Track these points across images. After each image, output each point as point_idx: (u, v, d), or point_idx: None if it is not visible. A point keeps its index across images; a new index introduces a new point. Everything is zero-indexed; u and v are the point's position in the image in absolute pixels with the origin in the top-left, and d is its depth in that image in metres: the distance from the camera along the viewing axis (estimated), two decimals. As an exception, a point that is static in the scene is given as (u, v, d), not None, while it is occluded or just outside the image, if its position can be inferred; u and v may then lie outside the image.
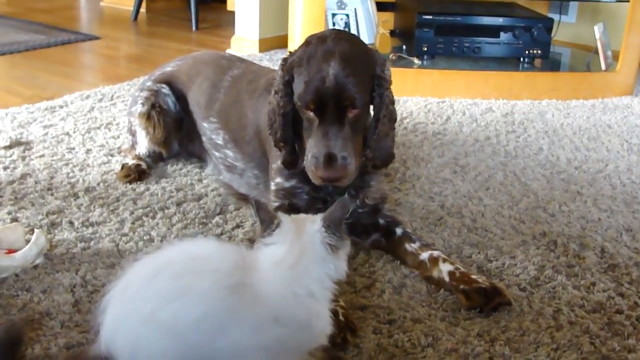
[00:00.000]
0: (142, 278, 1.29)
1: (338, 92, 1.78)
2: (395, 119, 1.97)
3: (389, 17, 4.23)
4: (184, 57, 2.72)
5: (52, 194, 2.30)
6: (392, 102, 1.93)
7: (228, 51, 4.36)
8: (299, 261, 1.34)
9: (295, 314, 1.32)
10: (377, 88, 1.89)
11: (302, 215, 1.49)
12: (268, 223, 1.40)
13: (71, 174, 2.46)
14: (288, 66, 1.90)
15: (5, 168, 2.49)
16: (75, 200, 2.27)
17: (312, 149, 1.83)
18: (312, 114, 1.83)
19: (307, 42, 1.90)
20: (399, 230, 2.02)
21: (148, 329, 1.25)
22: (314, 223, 1.39)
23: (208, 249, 1.38)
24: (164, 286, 1.26)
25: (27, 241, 1.87)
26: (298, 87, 1.84)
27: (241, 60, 2.60)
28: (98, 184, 2.39)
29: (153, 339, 1.26)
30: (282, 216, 1.42)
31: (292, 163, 1.98)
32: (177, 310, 1.24)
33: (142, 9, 5.87)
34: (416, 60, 3.77)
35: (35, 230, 1.90)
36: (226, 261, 1.33)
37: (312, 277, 1.35)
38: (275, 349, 1.31)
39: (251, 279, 1.31)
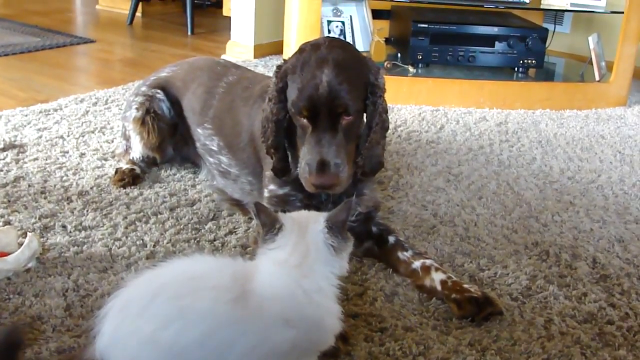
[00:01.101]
0: (141, 298, 1.29)
1: (331, 99, 1.79)
2: (388, 127, 1.98)
3: (384, 25, 4.24)
4: (179, 62, 2.72)
5: (45, 198, 2.29)
6: (385, 111, 1.94)
7: (223, 56, 4.36)
8: (304, 261, 1.35)
9: (305, 311, 1.32)
10: (370, 96, 1.89)
11: (304, 213, 1.49)
12: (269, 226, 1.39)
13: (65, 178, 2.46)
14: (282, 73, 1.90)
15: (-2, 171, 2.49)
16: (68, 204, 2.26)
17: (306, 156, 1.83)
18: (305, 121, 1.83)
19: (301, 50, 1.90)
20: (391, 239, 2.02)
21: (148, 349, 1.25)
22: (316, 223, 1.39)
23: (205, 266, 1.38)
24: (163, 308, 1.26)
25: (20, 244, 1.86)
26: (292, 94, 1.85)
27: (236, 66, 2.60)
28: (91, 188, 2.39)
29: (152, 359, 1.26)
30: (284, 217, 1.41)
31: (282, 171, 1.98)
32: (178, 331, 1.24)
33: (138, 13, 5.87)
34: (411, 69, 3.78)
35: (28, 233, 1.89)
36: (224, 276, 1.32)
37: (319, 275, 1.36)
38: (288, 352, 1.31)
39: (252, 286, 1.31)
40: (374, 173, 2.01)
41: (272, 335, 1.29)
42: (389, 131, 3.02)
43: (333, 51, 1.84)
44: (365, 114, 1.93)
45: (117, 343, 1.28)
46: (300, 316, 1.32)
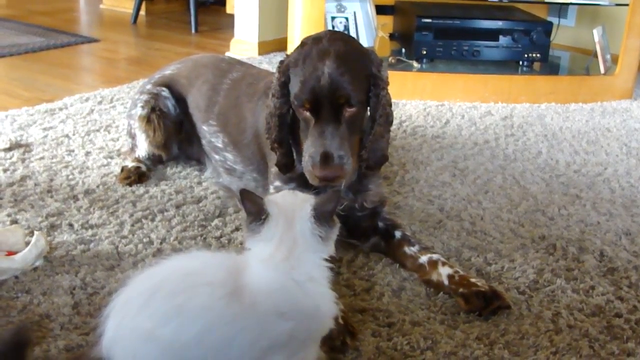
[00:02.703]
0: (140, 296, 1.29)
1: (333, 90, 1.78)
2: (392, 121, 1.97)
3: (388, 20, 4.24)
4: (183, 60, 2.72)
5: (51, 196, 2.30)
6: (389, 104, 1.93)
7: (227, 54, 4.36)
8: (291, 253, 1.34)
9: (299, 303, 1.32)
10: (373, 88, 1.89)
11: (289, 198, 1.44)
12: (255, 215, 1.37)
13: (71, 177, 2.46)
14: (284, 68, 1.90)
15: (5, 170, 2.49)
16: (74, 202, 2.27)
17: (309, 149, 1.82)
18: (308, 113, 1.83)
19: (303, 44, 1.90)
20: (398, 234, 2.02)
21: (148, 346, 1.25)
22: (303, 211, 1.37)
23: (200, 262, 1.38)
24: (161, 305, 1.26)
25: (27, 243, 1.87)
26: (294, 87, 1.85)
27: (241, 63, 2.60)
28: (97, 187, 2.39)
29: (152, 356, 1.26)
30: (270, 204, 1.38)
31: (287, 166, 1.97)
32: (176, 328, 1.24)
33: (142, 12, 5.87)
34: (415, 64, 3.77)
35: (35, 232, 1.90)
36: (219, 271, 1.32)
37: (308, 264, 1.35)
38: (288, 345, 1.31)
39: (245, 281, 1.31)
40: (378, 166, 2.00)
41: (269, 330, 1.29)
42: (395, 126, 3.02)
43: (334, 43, 1.84)
44: (368, 107, 1.92)
45: (119, 341, 1.28)
46: (294, 308, 1.31)
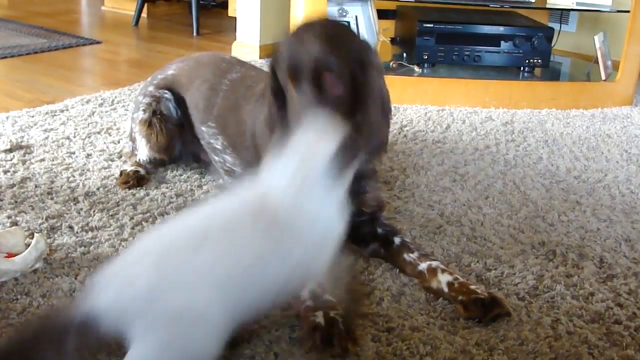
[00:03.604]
0: (187, 245, 1.30)
1: (320, 69, 1.74)
2: (390, 108, 1.94)
3: (389, 25, 4.25)
4: (185, 58, 2.70)
5: (52, 198, 2.30)
6: (382, 87, 1.89)
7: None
8: (305, 185, 1.37)
9: (312, 231, 1.36)
10: (362, 73, 1.82)
11: (311, 132, 1.45)
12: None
13: (71, 179, 2.46)
14: (275, 49, 1.89)
15: (5, 172, 2.49)
16: (75, 204, 2.27)
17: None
18: (294, 91, 1.79)
19: (295, 28, 1.88)
20: (397, 240, 2.01)
21: (207, 286, 1.26)
22: (320, 145, 1.39)
23: (231, 201, 1.41)
24: (215, 245, 1.29)
25: (27, 245, 1.87)
26: (282, 66, 1.83)
27: (241, 63, 2.57)
28: (98, 189, 2.39)
29: (211, 298, 1.26)
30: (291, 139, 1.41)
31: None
32: (230, 265, 1.28)
33: (143, 14, 5.87)
34: (416, 68, 3.78)
35: (35, 234, 1.90)
36: (248, 206, 1.37)
37: (322, 194, 1.38)
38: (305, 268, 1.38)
39: (272, 212, 1.34)
40: (376, 153, 1.97)
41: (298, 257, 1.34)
42: (395, 131, 3.03)
43: (324, 27, 1.82)
44: (361, 92, 1.85)
45: (163, 292, 1.26)
46: (311, 235, 1.36)
